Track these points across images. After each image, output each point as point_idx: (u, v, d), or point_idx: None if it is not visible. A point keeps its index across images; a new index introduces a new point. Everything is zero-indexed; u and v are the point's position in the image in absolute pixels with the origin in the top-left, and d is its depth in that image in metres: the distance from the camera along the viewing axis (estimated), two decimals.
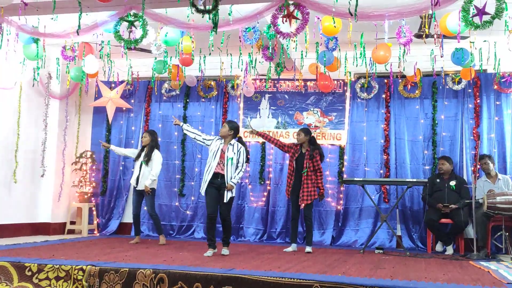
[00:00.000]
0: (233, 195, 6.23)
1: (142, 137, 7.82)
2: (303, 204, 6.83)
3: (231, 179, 6.11)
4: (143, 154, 7.62)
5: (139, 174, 7.53)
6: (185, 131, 6.55)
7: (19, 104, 8.24)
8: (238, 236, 8.48)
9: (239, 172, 6.17)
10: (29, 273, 4.85)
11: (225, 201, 6.09)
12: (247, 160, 6.37)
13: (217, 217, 6.18)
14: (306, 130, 7.12)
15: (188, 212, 8.75)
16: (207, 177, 6.13)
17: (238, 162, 6.18)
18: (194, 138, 6.47)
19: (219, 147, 6.21)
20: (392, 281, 4.29)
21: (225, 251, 6.18)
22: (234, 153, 6.16)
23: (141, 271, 4.60)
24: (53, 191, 8.73)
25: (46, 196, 8.70)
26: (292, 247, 6.95)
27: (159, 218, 7.78)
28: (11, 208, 8.10)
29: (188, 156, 8.81)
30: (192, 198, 8.74)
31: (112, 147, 8.02)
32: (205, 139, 6.42)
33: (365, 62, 6.81)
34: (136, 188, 7.56)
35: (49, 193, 8.71)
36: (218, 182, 6.13)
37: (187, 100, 8.99)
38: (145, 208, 7.85)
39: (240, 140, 6.34)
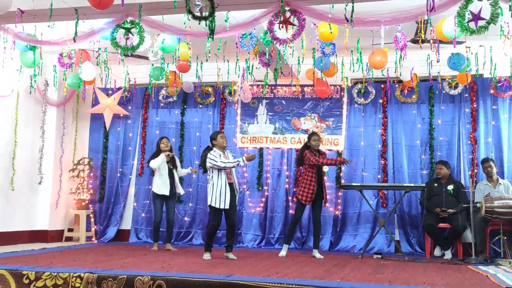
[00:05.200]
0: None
1: (163, 143, 7.71)
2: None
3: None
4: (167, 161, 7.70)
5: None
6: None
7: (16, 111, 8.24)
8: (236, 242, 8.43)
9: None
10: (27, 281, 4.82)
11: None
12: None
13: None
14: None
15: (186, 218, 8.73)
16: (225, 190, 6.22)
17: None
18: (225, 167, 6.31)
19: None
20: (390, 286, 4.29)
21: (232, 255, 6.44)
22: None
23: (139, 278, 4.58)
24: (50, 198, 8.71)
25: (44, 204, 8.68)
26: (285, 248, 7.02)
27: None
28: (9, 215, 8.07)
29: (186, 163, 8.73)
30: (190, 204, 8.72)
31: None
32: (224, 162, 6.28)
33: (362, 68, 6.85)
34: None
35: (47, 201, 8.69)
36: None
37: (185, 106, 9.00)
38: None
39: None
